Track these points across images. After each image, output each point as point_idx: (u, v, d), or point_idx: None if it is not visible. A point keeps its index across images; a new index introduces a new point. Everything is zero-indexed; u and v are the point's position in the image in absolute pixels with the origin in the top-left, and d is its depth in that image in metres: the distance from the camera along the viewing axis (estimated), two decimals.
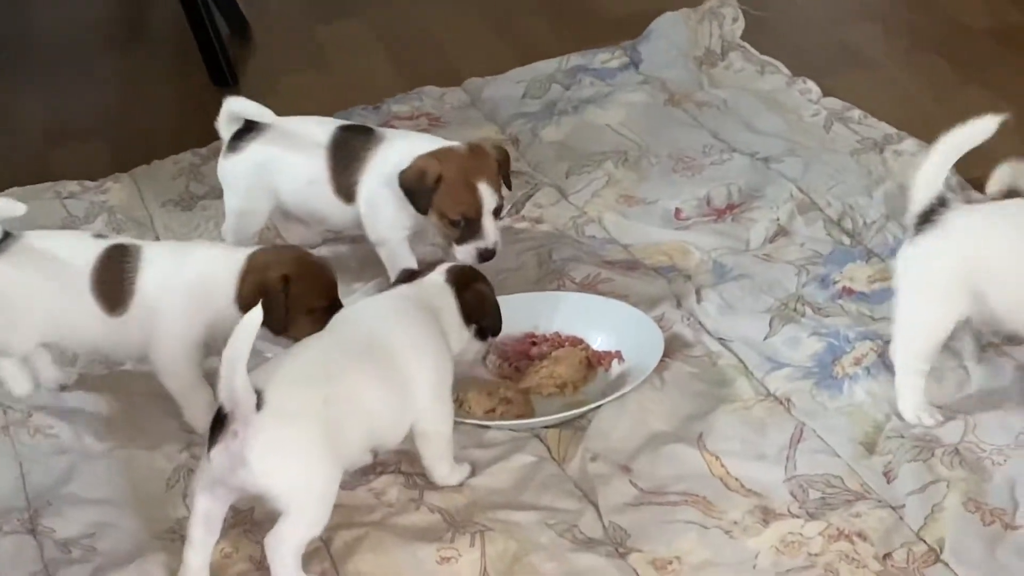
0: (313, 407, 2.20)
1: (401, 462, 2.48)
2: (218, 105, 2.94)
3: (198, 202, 3.40)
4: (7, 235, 2.63)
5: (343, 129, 2.98)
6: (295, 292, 2.52)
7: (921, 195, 2.44)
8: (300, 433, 2.18)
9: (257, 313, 2.12)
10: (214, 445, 2.14)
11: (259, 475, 2.14)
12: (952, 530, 2.25)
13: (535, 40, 4.13)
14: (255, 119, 2.94)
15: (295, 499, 2.17)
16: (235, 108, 2.95)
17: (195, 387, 2.60)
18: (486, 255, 2.83)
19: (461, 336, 2.50)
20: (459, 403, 2.60)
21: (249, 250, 2.61)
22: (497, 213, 2.85)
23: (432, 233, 2.95)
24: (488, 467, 2.47)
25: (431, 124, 3.62)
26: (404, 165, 2.83)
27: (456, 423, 2.55)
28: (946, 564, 2.20)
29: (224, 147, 3.01)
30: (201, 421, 2.53)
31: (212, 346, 2.57)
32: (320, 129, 2.97)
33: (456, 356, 2.48)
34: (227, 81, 4.07)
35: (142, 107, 4.05)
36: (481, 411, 2.58)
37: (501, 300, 2.59)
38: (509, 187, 2.92)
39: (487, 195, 2.81)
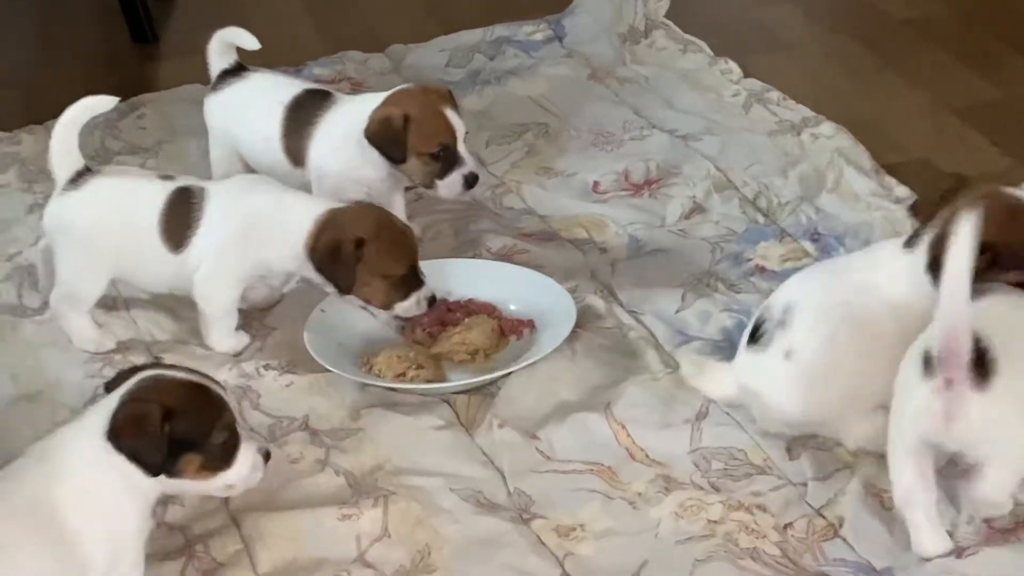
0: None
1: (308, 418, 2.49)
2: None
3: (114, 157, 3.37)
4: (87, 169, 2.65)
5: (307, 91, 2.96)
6: (369, 256, 2.53)
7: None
8: None
9: None
10: None
11: None
12: (852, 509, 2.26)
13: (459, 10, 4.12)
14: (242, 46, 2.96)
15: None
16: (225, 37, 2.97)
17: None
18: (472, 180, 2.82)
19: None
20: (369, 367, 2.60)
21: (331, 204, 2.61)
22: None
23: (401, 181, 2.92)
24: (395, 430, 2.47)
25: (353, 88, 3.59)
26: (359, 123, 2.80)
27: (365, 385, 2.56)
28: (844, 539, 2.22)
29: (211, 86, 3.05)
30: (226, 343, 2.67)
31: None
32: (288, 88, 2.96)
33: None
34: (147, 38, 4.02)
35: (60, 59, 3.99)
36: (392, 375, 2.56)
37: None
38: None
39: (456, 120, 2.81)
